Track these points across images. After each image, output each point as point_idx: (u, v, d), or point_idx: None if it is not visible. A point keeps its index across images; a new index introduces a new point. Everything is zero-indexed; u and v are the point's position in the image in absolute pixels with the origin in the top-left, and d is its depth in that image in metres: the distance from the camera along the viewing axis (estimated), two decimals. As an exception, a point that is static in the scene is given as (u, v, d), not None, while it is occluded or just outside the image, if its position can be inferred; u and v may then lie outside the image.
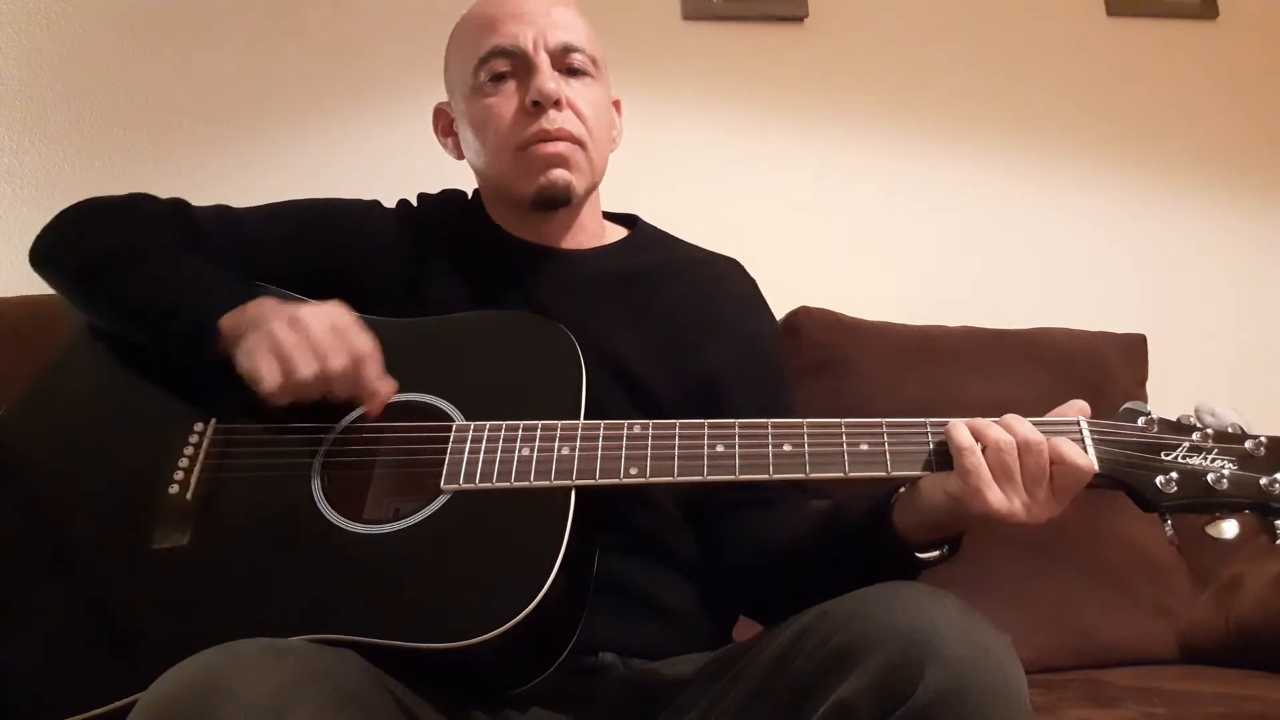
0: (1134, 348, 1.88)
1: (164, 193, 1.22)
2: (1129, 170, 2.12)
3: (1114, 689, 1.37)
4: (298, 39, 1.85)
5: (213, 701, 0.71)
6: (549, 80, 1.13)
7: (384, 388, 1.00)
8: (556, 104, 1.14)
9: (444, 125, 1.27)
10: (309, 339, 0.97)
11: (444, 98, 1.27)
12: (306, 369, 0.96)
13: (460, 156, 1.26)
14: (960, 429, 0.88)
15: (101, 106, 1.78)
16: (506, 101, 1.15)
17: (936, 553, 0.94)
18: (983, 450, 0.87)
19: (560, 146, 1.14)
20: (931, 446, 0.90)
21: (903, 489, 0.94)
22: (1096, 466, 0.88)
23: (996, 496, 0.86)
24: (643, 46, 1.95)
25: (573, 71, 1.17)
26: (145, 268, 1.10)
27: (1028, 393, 1.61)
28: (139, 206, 1.19)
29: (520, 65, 1.15)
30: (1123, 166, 2.11)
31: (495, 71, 1.16)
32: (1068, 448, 0.87)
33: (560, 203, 1.17)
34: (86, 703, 0.88)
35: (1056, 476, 0.87)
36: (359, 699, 0.78)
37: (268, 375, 0.96)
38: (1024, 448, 0.86)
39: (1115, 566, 1.67)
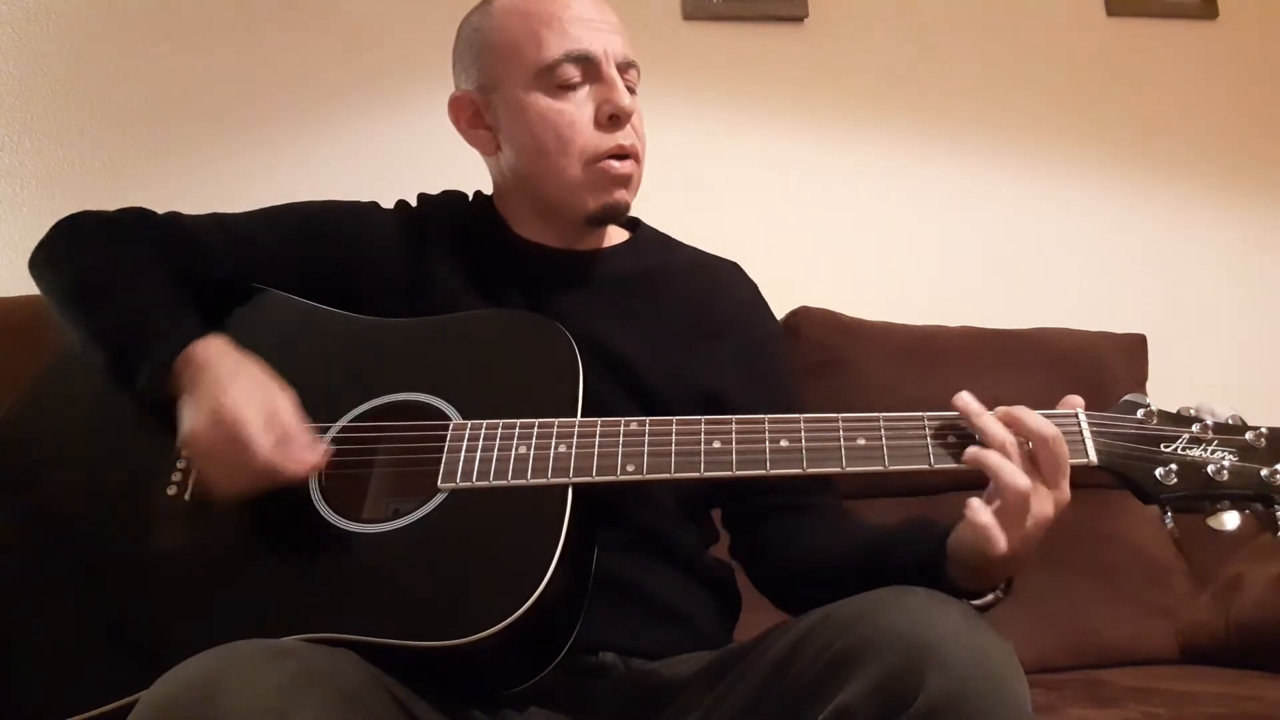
0: (1134, 347, 1.89)
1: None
2: (1129, 170, 2.12)
3: (1114, 689, 1.37)
4: (299, 38, 1.85)
5: (214, 705, 0.71)
6: (626, 95, 1.12)
7: (310, 464, 0.95)
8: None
9: (470, 116, 1.19)
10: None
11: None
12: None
13: (493, 151, 1.20)
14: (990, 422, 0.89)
15: (101, 106, 1.78)
16: (579, 110, 1.12)
17: (991, 596, 0.93)
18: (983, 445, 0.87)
19: (628, 166, 1.14)
20: (928, 440, 0.90)
21: (950, 538, 0.93)
22: (1095, 459, 0.88)
23: (1018, 476, 0.85)
24: (643, 46, 1.91)
25: (628, 87, 1.15)
26: (97, 318, 1.06)
27: (1028, 393, 1.59)
28: (127, 227, 1.15)
29: (591, 73, 1.13)
30: (1123, 166, 2.11)
31: (567, 76, 1.12)
32: (1029, 417, 0.88)
33: (613, 222, 1.18)
34: (85, 703, 0.88)
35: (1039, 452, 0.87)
36: (359, 699, 0.79)
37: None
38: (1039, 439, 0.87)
39: (1115, 566, 1.68)
